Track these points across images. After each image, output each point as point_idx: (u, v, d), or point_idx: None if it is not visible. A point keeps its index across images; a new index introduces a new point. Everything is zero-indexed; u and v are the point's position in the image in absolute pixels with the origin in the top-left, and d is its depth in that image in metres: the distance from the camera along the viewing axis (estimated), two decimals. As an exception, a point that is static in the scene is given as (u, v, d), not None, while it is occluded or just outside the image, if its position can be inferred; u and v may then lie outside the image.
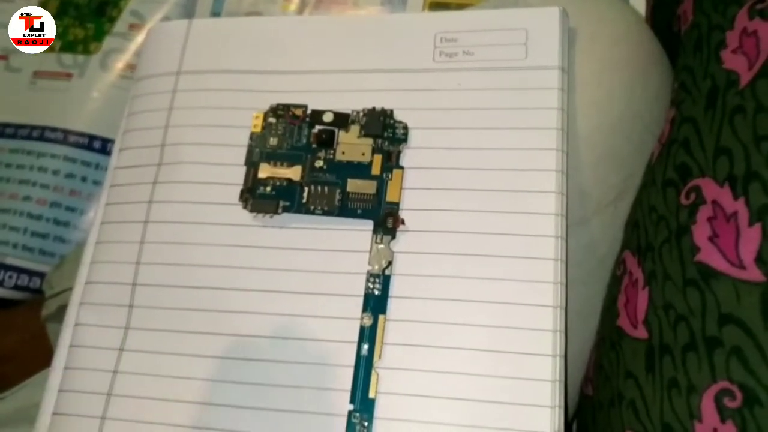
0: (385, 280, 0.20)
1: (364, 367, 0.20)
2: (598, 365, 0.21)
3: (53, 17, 0.37)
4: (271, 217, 0.22)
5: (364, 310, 0.20)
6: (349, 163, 0.22)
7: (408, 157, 0.22)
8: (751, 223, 0.16)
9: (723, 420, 0.15)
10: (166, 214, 0.23)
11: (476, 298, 0.20)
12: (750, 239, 0.16)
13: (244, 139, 0.23)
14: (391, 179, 0.21)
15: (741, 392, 0.15)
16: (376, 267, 0.20)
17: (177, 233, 0.22)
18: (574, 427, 0.24)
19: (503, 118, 0.21)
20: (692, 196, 0.18)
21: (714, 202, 0.17)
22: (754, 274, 0.15)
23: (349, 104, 0.23)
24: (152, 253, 0.22)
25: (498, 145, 0.21)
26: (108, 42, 0.36)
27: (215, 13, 0.35)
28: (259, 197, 0.22)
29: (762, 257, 0.15)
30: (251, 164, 0.22)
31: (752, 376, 0.15)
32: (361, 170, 0.22)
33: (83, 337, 0.22)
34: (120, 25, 0.36)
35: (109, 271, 0.23)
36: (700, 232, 0.17)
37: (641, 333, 0.19)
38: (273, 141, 0.23)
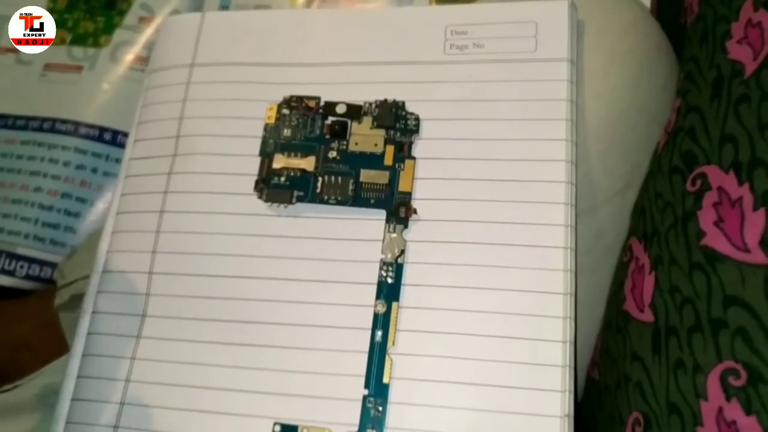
0: (398, 268, 0.21)
1: (378, 353, 0.20)
2: (604, 349, 0.22)
3: (64, 11, 0.37)
4: (285, 206, 0.22)
5: (378, 297, 0.20)
6: (362, 154, 0.22)
7: (420, 147, 0.22)
8: (755, 208, 0.16)
9: (728, 398, 0.16)
10: (181, 204, 0.23)
11: (488, 286, 0.20)
12: (754, 224, 0.16)
13: (258, 131, 0.23)
14: (403, 169, 0.22)
15: (745, 371, 0.15)
16: (389, 255, 0.21)
17: (192, 223, 0.23)
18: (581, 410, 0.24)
19: (513, 109, 0.22)
20: (698, 182, 0.18)
21: (719, 188, 0.17)
22: (758, 257, 0.16)
23: (362, 96, 0.23)
24: (168, 243, 0.23)
25: (508, 136, 0.21)
26: (118, 35, 0.36)
27: (224, 6, 0.36)
28: (274, 187, 0.22)
29: (766, 241, 0.16)
30: (265, 155, 0.23)
31: (756, 355, 0.15)
32: (373, 161, 0.22)
33: (101, 324, 0.22)
34: (130, 18, 0.36)
35: (126, 260, 0.23)
36: (706, 217, 0.18)
37: (647, 316, 0.19)
38: (287, 132, 0.23)
